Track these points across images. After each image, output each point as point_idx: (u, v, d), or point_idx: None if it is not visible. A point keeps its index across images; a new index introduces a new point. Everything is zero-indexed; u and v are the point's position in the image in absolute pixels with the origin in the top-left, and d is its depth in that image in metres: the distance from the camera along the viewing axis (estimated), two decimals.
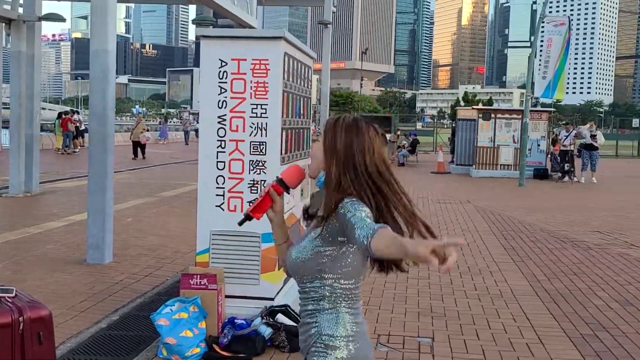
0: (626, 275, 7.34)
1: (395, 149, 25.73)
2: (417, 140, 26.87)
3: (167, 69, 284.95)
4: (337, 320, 2.10)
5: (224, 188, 4.99)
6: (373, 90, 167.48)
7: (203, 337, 4.66)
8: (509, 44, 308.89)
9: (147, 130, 28.67)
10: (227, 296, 4.97)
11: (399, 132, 28.25)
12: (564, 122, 22.59)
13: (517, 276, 7.23)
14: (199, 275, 4.82)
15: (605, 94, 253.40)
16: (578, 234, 10.13)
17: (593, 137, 19.36)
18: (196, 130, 48.09)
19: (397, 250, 1.72)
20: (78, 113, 35.27)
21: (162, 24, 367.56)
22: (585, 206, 13.87)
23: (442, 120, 76.97)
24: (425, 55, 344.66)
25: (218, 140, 4.95)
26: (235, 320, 4.83)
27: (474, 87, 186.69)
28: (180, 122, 63.50)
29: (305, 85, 5.91)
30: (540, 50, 19.37)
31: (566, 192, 17.04)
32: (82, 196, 10.27)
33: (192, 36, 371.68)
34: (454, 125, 27.13)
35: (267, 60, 4.87)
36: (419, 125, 63.58)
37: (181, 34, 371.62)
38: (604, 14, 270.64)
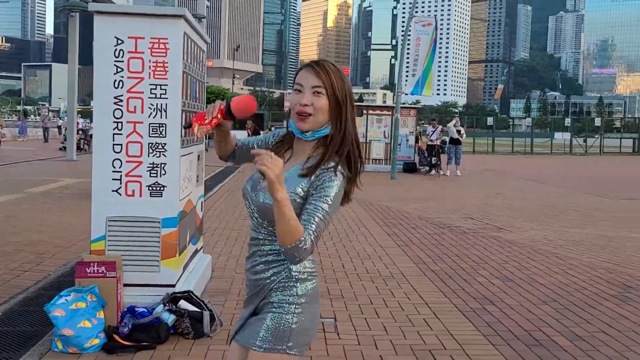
0: (502, 255, 7.84)
1: None
2: None
3: (23, 64, 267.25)
4: None
5: (121, 172, 4.77)
6: (242, 89, 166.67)
7: (102, 327, 4.44)
8: (372, 47, 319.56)
9: (2, 127, 26.79)
10: (125, 285, 4.76)
11: (272, 128, 28.34)
12: (431, 118, 23.64)
13: (404, 259, 7.51)
14: (96, 263, 4.58)
15: (459, 95, 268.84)
16: (452, 220, 10.68)
17: (458, 132, 20.50)
18: (59, 127, 45.68)
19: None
20: None
21: (16, 16, 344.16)
22: (454, 196, 14.65)
23: None
24: (292, 55, 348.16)
25: (114, 122, 4.73)
26: (136, 309, 4.64)
27: None
28: (39, 119, 60.04)
29: (201, 69, 5.80)
30: (408, 50, 20.19)
31: (435, 184, 17.91)
32: None
33: (50, 29, 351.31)
34: None
35: (167, 39, 4.71)
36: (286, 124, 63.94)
37: (38, 26, 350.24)
38: (457, 21, 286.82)
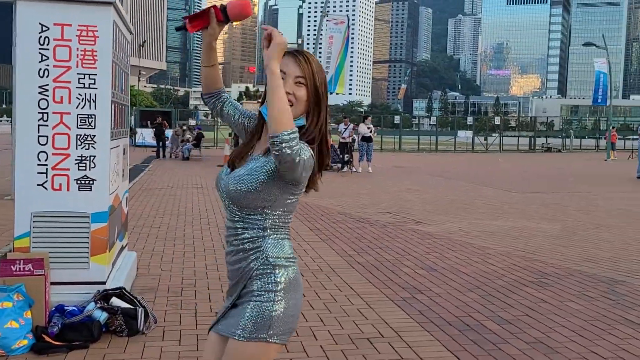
0: (423, 247, 8.05)
1: (179, 142, 25.33)
2: (202, 134, 26.69)
3: None
4: (281, 245, 2.17)
5: (47, 165, 4.55)
6: (145, 87, 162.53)
7: (30, 327, 4.23)
8: None
9: None
10: (53, 283, 4.55)
11: (184, 127, 27.80)
12: (344, 116, 23.93)
13: (330, 253, 7.57)
14: (22, 261, 4.36)
15: (364, 95, 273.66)
16: (371, 214, 10.87)
17: (369, 130, 20.87)
18: None
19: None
20: None
21: None
22: (369, 191, 14.91)
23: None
24: (197, 53, 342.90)
25: (39, 113, 4.50)
26: (65, 308, 4.45)
27: (246, 86, 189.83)
28: None
29: (126, 60, 5.62)
30: (319, 46, 20.37)
31: (348, 180, 18.15)
32: None
33: None
34: None
35: (96, 27, 4.54)
36: (192, 123, 63.14)
37: None
38: (362, 21, 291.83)
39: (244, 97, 34.65)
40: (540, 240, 8.67)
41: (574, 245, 8.36)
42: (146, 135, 33.19)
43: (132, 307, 4.59)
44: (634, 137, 51.64)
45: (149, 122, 32.94)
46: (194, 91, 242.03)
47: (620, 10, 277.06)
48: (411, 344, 4.45)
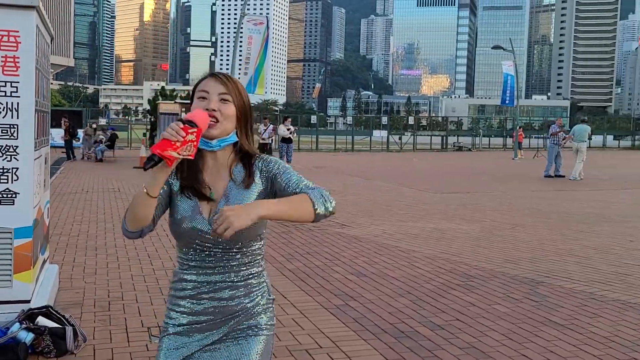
0: (351, 251, 8.12)
1: (92, 143, 24.49)
2: (115, 135, 25.91)
3: None
4: (266, 274, 2.23)
5: None
6: (51, 83, 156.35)
7: None
8: (192, 43, 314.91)
9: None
10: None
11: (94, 126, 26.90)
12: (263, 117, 23.85)
13: None
14: None
15: (279, 94, 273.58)
16: None
17: (289, 130, 20.89)
18: None
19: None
20: None
21: None
22: None
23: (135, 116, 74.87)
24: (107, 49, 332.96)
25: None
26: None
27: (158, 84, 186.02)
28: None
29: (48, 65, 5.36)
30: (238, 48, 20.20)
31: None
32: None
33: None
34: (152, 119, 26.81)
35: (18, 32, 4.30)
36: (102, 121, 61.34)
37: None
38: (276, 20, 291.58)
39: (159, 97, 33.49)
40: (462, 242, 8.91)
41: (494, 247, 8.65)
42: (55, 135, 31.86)
43: (60, 326, 4.38)
44: (537, 135, 54.25)
45: (53, 122, 31.60)
46: (104, 89, 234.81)
47: (522, 14, 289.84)
48: (350, 353, 4.47)
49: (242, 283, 2.10)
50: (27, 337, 4.21)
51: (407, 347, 4.62)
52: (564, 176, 20.38)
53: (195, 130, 1.90)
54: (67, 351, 4.31)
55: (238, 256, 2.09)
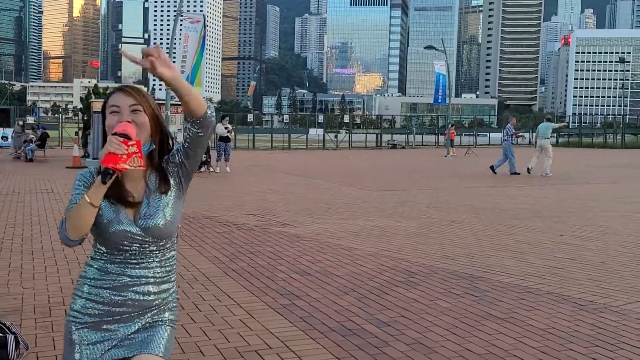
0: (293, 250, 8.16)
1: (21, 143, 23.69)
2: (46, 134, 25.08)
3: None
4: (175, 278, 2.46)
5: None
6: None
7: None
8: (123, 39, 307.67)
9: None
10: None
11: (21, 123, 25.96)
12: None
13: (202, 260, 7.46)
14: None
15: (214, 92, 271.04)
16: (237, 217, 10.83)
17: (227, 129, 20.75)
18: None
19: None
20: None
21: None
22: (230, 193, 14.84)
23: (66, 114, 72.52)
24: (34, 45, 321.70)
25: None
26: None
27: (89, 81, 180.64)
28: None
29: None
30: (174, 45, 19.92)
31: (207, 181, 17.93)
32: None
33: None
34: (85, 118, 26.12)
35: None
36: (30, 120, 59.42)
37: None
38: (210, 18, 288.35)
39: (92, 95, 32.55)
40: (402, 239, 9.09)
41: (432, 243, 8.85)
42: None
43: (1, 335, 4.25)
44: (467, 133, 55.65)
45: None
46: (32, 86, 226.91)
47: (452, 15, 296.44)
48: (299, 353, 4.51)
49: (159, 279, 2.32)
50: None
51: (355, 345, 4.70)
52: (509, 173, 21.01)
53: (135, 142, 2.09)
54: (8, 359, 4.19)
55: (157, 258, 2.31)
